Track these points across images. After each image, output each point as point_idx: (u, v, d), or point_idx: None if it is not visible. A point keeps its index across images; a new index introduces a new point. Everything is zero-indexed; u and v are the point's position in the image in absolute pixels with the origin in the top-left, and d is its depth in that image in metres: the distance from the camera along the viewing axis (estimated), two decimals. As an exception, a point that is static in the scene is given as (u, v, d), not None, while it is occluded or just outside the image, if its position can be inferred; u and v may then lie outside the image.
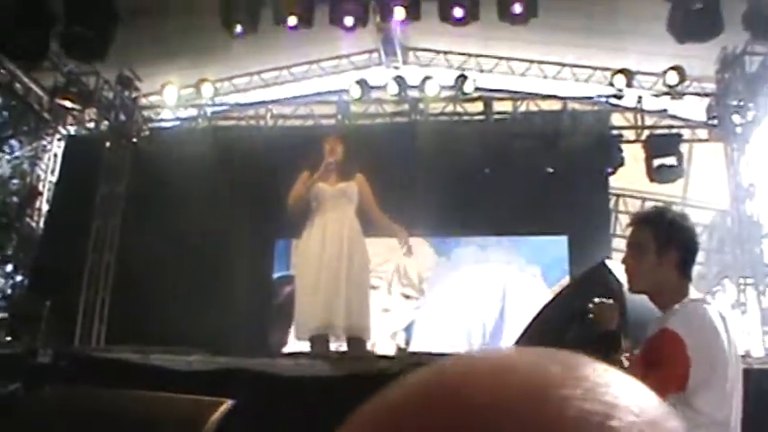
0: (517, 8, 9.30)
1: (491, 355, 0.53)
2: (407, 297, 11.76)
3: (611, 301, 3.29)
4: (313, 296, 6.67)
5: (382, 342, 10.92)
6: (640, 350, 3.05)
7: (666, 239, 3.16)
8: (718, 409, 2.95)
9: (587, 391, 0.47)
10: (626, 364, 3.30)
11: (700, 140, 12.10)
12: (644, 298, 3.29)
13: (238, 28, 9.69)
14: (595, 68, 12.24)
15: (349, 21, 9.73)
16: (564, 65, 12.43)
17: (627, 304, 4.65)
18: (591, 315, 3.35)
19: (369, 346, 7.69)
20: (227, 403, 4.31)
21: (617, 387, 0.49)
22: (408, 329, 11.55)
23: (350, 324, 6.67)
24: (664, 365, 2.84)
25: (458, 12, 9.50)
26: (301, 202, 7.02)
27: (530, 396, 0.46)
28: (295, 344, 9.30)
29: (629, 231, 3.35)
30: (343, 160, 7.11)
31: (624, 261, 3.32)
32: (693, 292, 3.16)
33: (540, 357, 0.51)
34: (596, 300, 3.35)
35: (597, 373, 0.50)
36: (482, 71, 12.78)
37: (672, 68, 10.85)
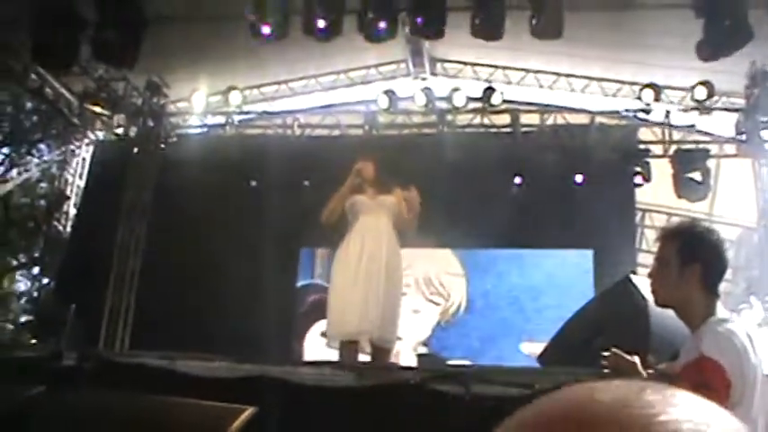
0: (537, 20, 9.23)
1: (597, 386, 0.59)
2: (433, 303, 11.74)
3: (630, 356, 3.25)
4: (348, 305, 6.64)
5: (406, 352, 10.91)
6: (678, 377, 3.00)
7: (690, 254, 3.13)
8: None
9: (684, 412, 0.56)
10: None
11: (727, 156, 12.03)
12: (671, 313, 3.27)
13: (266, 30, 9.65)
14: (623, 83, 12.19)
15: (378, 31, 9.71)
16: (592, 78, 12.38)
17: (652, 318, 4.62)
18: (605, 362, 3.33)
19: (393, 356, 7.68)
20: (250, 410, 4.32)
21: (704, 409, 0.58)
22: (429, 342, 11.54)
23: (381, 335, 6.66)
24: (707, 393, 2.78)
25: (478, 23, 9.42)
26: (334, 218, 6.98)
27: (640, 419, 0.54)
28: (314, 350, 9.32)
29: (656, 246, 3.34)
30: (380, 175, 7.07)
31: (650, 274, 3.31)
32: (721, 310, 3.13)
33: (636, 386, 0.58)
34: (611, 351, 3.32)
35: (685, 397, 0.58)
36: (510, 83, 12.76)
37: (700, 83, 10.79)
